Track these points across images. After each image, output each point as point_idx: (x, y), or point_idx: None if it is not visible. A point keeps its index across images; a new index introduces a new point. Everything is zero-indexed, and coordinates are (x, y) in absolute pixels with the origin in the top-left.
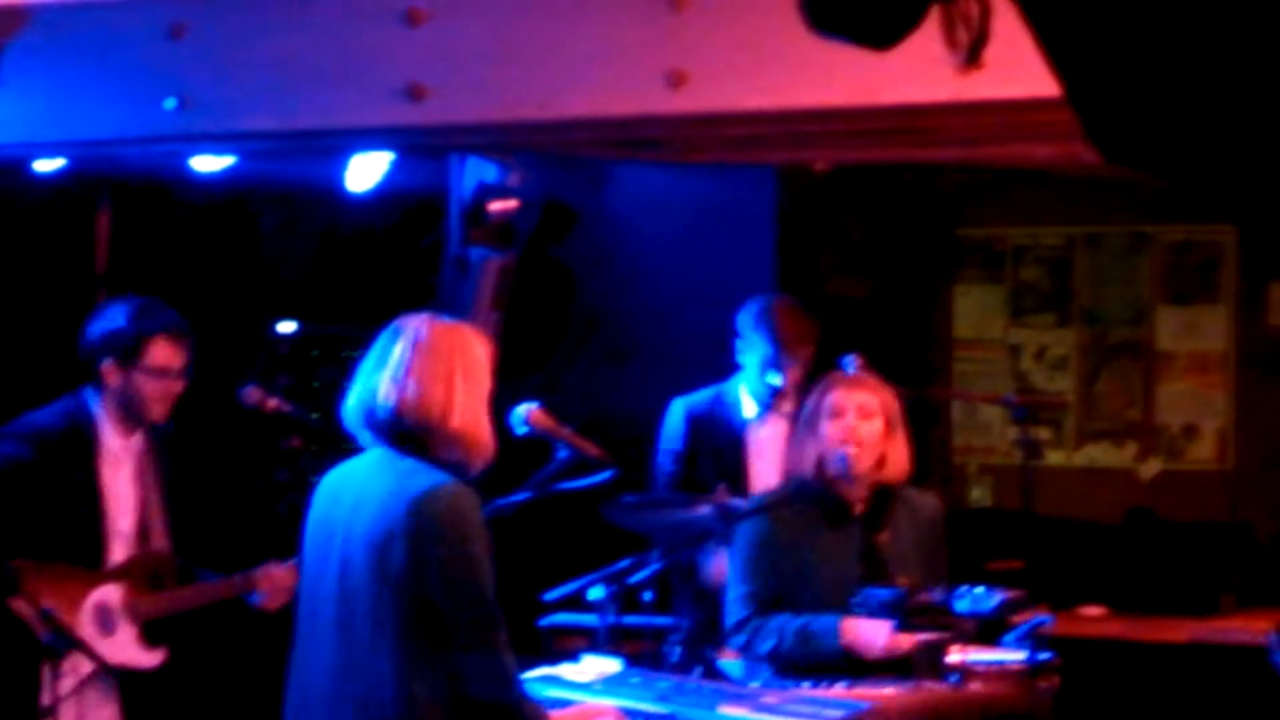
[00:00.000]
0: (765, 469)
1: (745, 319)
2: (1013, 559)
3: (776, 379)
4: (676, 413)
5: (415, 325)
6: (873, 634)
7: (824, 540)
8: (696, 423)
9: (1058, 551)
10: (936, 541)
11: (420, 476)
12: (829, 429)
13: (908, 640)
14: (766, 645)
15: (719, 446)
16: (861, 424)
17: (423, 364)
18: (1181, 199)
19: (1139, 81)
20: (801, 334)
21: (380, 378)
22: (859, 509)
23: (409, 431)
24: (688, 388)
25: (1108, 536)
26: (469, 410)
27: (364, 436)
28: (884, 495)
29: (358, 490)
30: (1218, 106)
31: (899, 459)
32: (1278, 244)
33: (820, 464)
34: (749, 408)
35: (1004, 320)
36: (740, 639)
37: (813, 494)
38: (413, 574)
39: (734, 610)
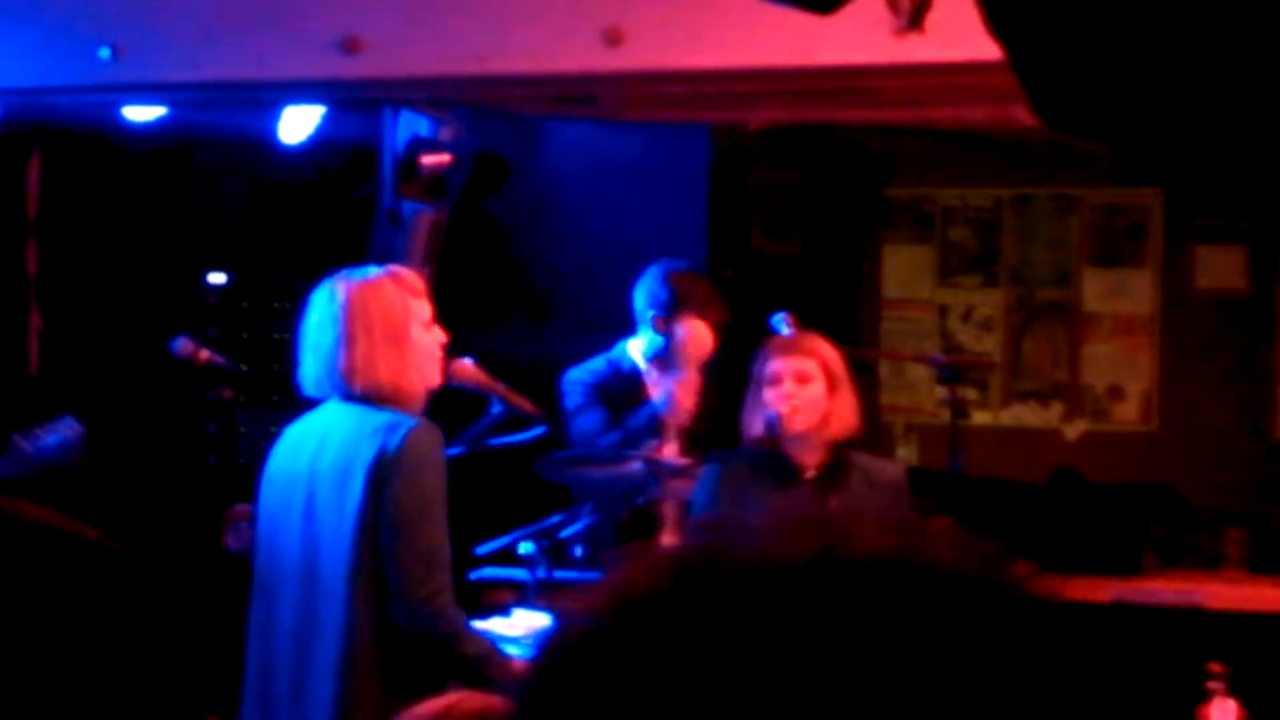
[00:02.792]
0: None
1: (654, 289)
2: (939, 517)
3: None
4: (579, 379)
5: (333, 287)
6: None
7: (771, 500)
8: (604, 384)
9: (983, 511)
10: (900, 509)
11: (382, 415)
12: (768, 395)
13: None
14: None
15: (629, 408)
16: (799, 390)
17: (336, 330)
18: (1109, 162)
19: (1081, 48)
20: (714, 300)
21: (310, 346)
22: (811, 473)
23: (350, 391)
24: (613, 343)
25: (1033, 496)
26: (382, 363)
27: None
28: (838, 460)
29: (321, 435)
30: (1158, 73)
31: (845, 414)
32: (1205, 207)
33: (767, 427)
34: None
35: (932, 280)
36: None
37: (762, 456)
38: (369, 507)
39: None
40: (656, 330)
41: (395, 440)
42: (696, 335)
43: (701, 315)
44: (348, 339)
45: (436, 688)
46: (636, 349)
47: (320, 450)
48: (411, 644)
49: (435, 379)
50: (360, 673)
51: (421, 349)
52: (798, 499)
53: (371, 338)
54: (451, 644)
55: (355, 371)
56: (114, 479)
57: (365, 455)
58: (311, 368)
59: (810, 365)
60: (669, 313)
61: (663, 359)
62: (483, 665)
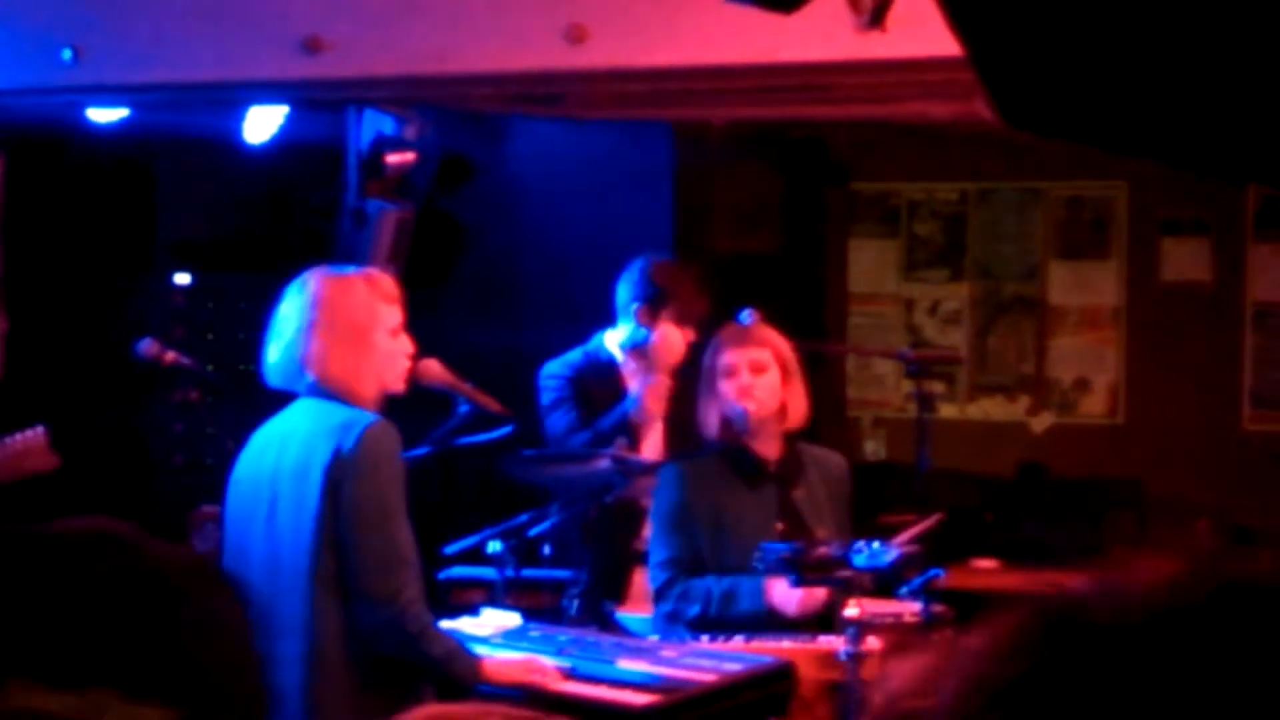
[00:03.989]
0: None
1: (638, 281)
2: (907, 512)
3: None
4: (556, 373)
5: (306, 280)
6: (789, 595)
7: (742, 499)
8: (580, 377)
9: (951, 505)
10: (845, 498)
11: (341, 413)
12: (725, 388)
13: (820, 598)
14: (693, 610)
15: (606, 401)
16: (756, 379)
17: (300, 320)
18: (1073, 155)
19: (1041, 45)
20: (699, 292)
21: (275, 336)
22: (774, 467)
23: (310, 384)
24: (581, 342)
25: (1000, 490)
26: (335, 359)
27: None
28: (795, 452)
29: (284, 435)
30: (1119, 69)
31: (798, 405)
32: (1171, 199)
33: (724, 423)
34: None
35: (898, 275)
36: (665, 605)
37: (726, 453)
38: (326, 507)
39: (656, 575)
40: (639, 323)
41: (350, 440)
42: (668, 340)
43: (686, 307)
44: (309, 330)
45: (409, 685)
46: (614, 340)
47: (282, 450)
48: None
49: (397, 385)
50: (328, 671)
51: (383, 354)
52: (768, 496)
53: (332, 333)
54: (416, 643)
55: (311, 363)
56: (80, 480)
57: (322, 455)
58: (276, 358)
59: (764, 355)
60: (653, 305)
61: (641, 351)
62: (448, 664)
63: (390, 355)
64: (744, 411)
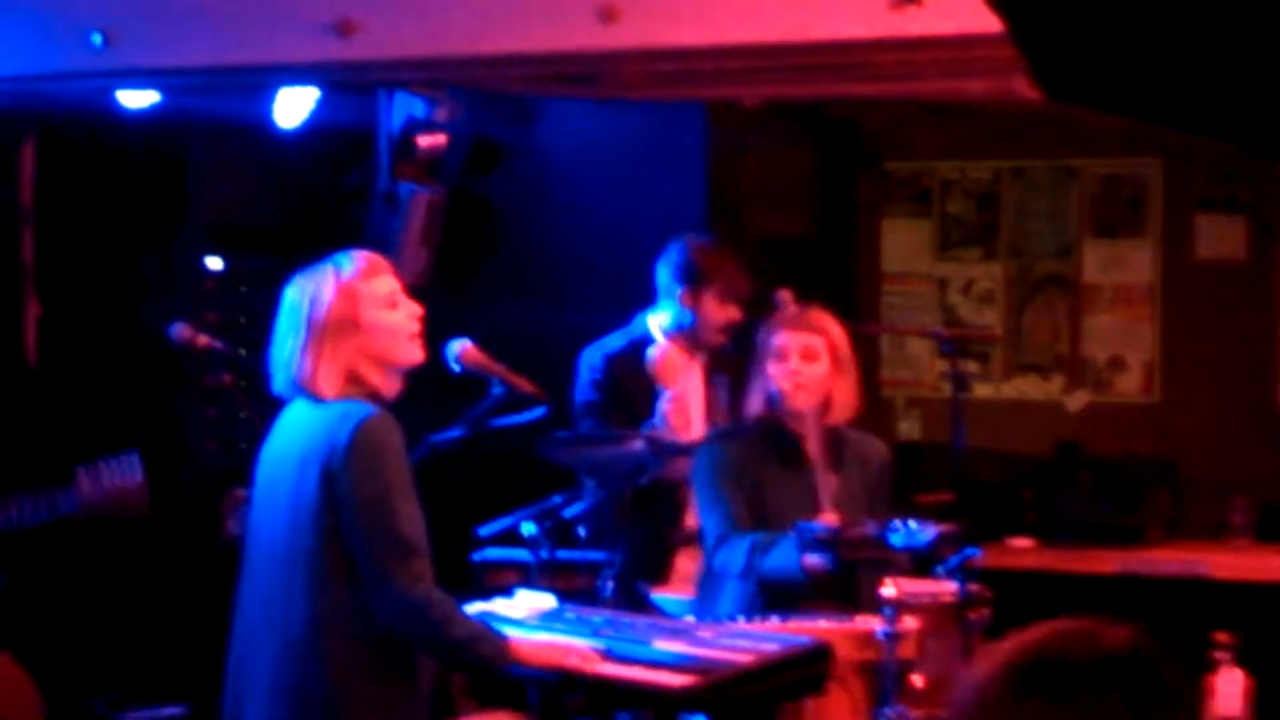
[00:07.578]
0: (694, 410)
1: (679, 263)
2: (942, 492)
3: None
4: (594, 361)
5: (291, 283)
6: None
7: (778, 479)
8: (618, 368)
9: (986, 484)
10: (884, 487)
11: (338, 408)
12: (773, 370)
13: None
14: (737, 559)
15: (640, 391)
16: (805, 367)
17: (281, 328)
18: (1108, 133)
19: (1083, 14)
20: (741, 271)
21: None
22: (814, 452)
23: (299, 390)
24: (615, 324)
25: (1036, 469)
26: (317, 360)
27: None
28: (836, 438)
29: (291, 428)
30: (1164, 38)
31: (846, 399)
32: (1206, 177)
33: (768, 403)
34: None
35: (932, 254)
36: (713, 561)
37: (765, 432)
38: (325, 502)
39: (711, 530)
40: (682, 305)
41: (344, 435)
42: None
43: (729, 286)
44: (285, 338)
45: (411, 675)
46: (656, 323)
47: (289, 443)
48: (390, 636)
49: (410, 356)
50: (332, 661)
51: (379, 331)
52: (805, 481)
53: (303, 337)
54: (441, 629)
55: (293, 372)
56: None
57: (319, 450)
58: (273, 368)
59: (818, 342)
60: (695, 286)
61: (684, 334)
62: (474, 646)
63: (389, 330)
64: (779, 392)
